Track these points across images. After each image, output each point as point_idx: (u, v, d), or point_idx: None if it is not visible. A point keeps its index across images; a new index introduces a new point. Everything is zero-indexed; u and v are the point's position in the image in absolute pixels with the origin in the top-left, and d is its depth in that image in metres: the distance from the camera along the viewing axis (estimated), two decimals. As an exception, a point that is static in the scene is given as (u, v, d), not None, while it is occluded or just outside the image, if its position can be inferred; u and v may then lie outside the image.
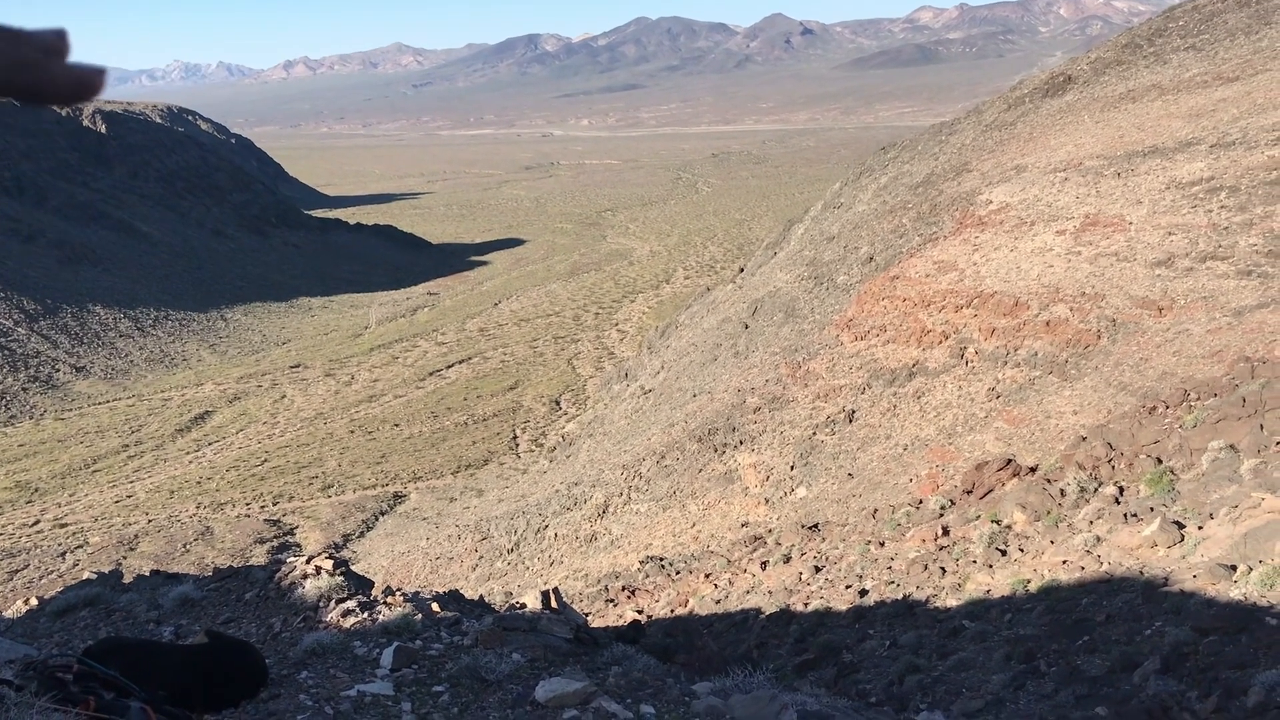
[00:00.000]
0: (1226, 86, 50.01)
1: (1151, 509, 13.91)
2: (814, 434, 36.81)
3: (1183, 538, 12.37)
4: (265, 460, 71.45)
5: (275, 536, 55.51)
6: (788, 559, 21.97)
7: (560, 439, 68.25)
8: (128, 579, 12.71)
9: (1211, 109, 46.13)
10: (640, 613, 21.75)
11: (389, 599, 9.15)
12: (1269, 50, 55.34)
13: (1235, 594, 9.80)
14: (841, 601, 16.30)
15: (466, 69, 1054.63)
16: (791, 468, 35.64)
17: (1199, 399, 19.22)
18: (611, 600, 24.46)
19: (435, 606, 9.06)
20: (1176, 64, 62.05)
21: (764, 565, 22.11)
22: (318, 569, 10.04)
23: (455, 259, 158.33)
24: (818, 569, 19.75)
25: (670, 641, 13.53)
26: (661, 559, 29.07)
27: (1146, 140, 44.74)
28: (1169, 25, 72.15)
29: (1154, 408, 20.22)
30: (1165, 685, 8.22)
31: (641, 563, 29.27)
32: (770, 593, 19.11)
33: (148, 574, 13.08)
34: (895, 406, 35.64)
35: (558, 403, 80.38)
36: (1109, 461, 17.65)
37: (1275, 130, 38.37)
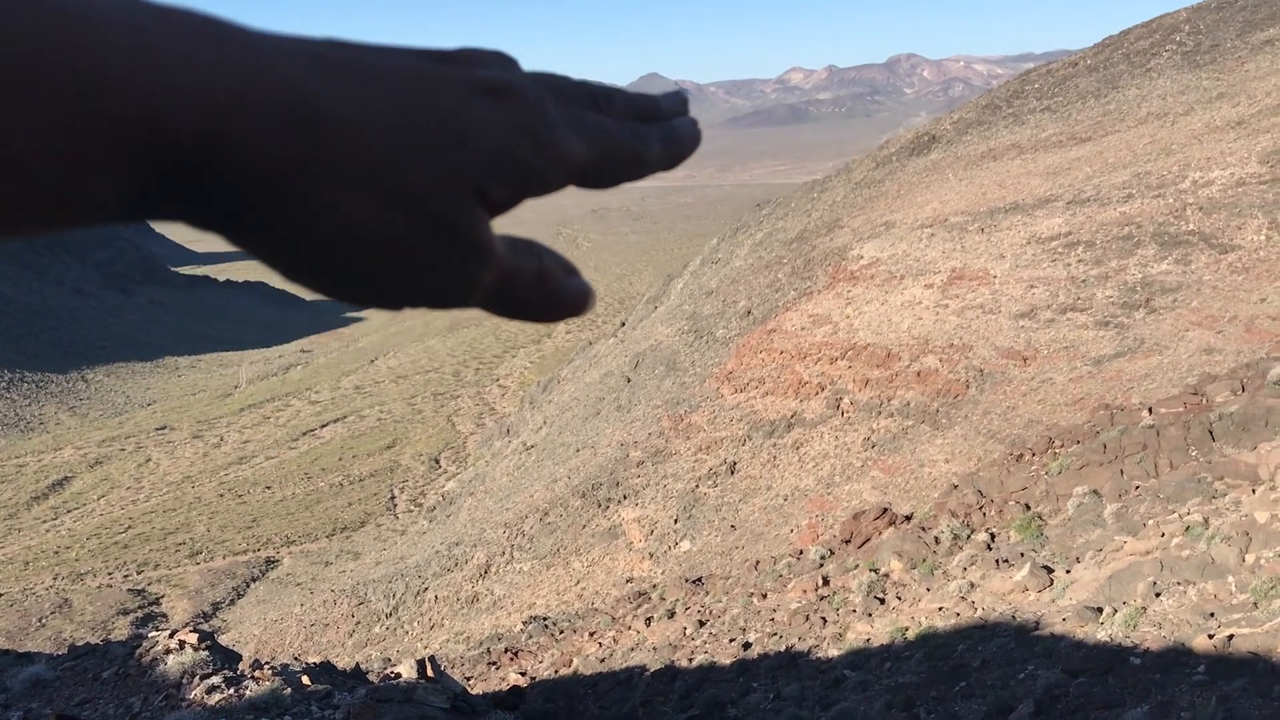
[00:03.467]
0: (1080, 146, 52.83)
1: (1022, 554, 14.29)
2: (696, 486, 36.96)
3: (1052, 582, 12.73)
4: (129, 527, 68.16)
5: (140, 607, 52.82)
6: (672, 614, 21.85)
7: (440, 498, 66.98)
8: (-30, 661, 11.86)
9: (1067, 167, 48.63)
10: (523, 674, 21.31)
11: (257, 673, 8.72)
12: (1117, 112, 58.78)
13: (1102, 635, 10.08)
14: (726, 655, 16.24)
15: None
16: (675, 521, 35.66)
17: (1063, 446, 19.94)
18: (494, 663, 23.91)
19: (306, 679, 8.67)
20: (1034, 124, 65.37)
21: (648, 621, 21.94)
22: (181, 643, 9.52)
23: (329, 315, 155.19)
24: (702, 623, 19.69)
25: (551, 706, 13.23)
26: (545, 618, 28.62)
27: (1008, 197, 46.83)
28: (1025, 88, 76.07)
29: (1021, 455, 20.90)
30: (1041, 730, 8.37)
31: (525, 623, 28.76)
32: (655, 649, 18.94)
33: (-7, 654, 12.22)
34: (775, 458, 36.08)
35: (437, 461, 78.97)
36: (980, 508, 18.13)
37: (1125, 188, 40.63)
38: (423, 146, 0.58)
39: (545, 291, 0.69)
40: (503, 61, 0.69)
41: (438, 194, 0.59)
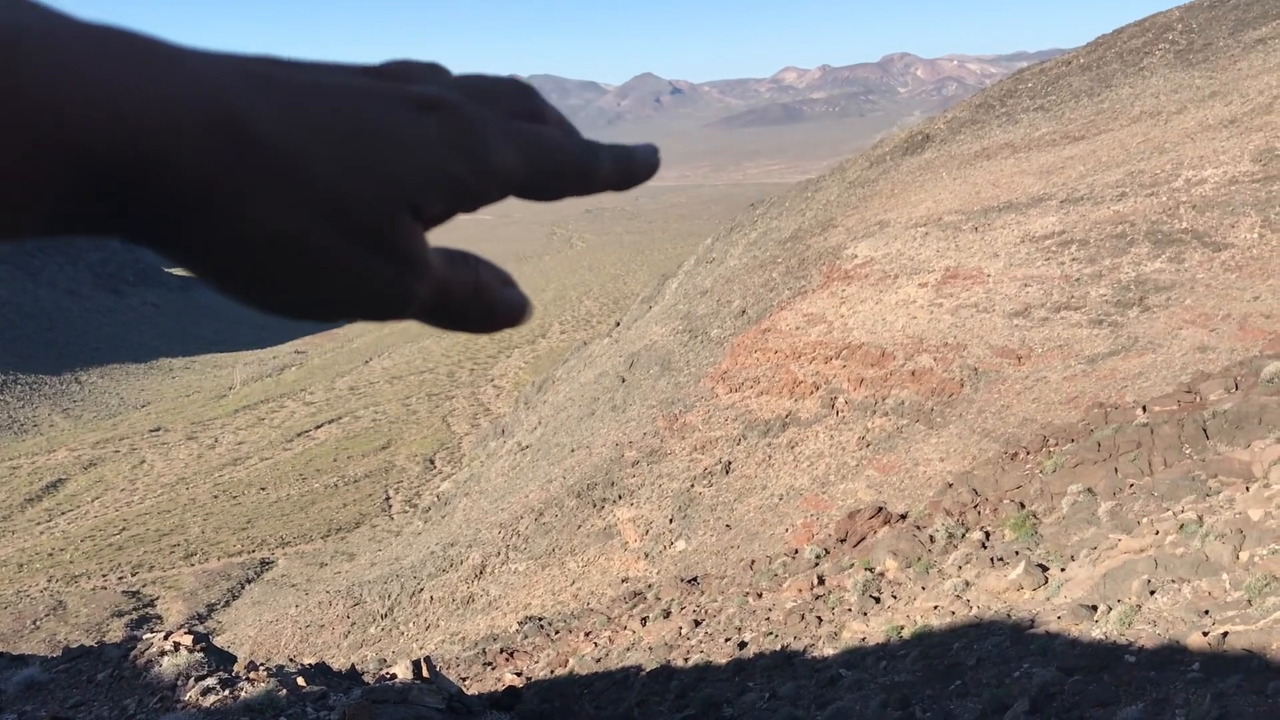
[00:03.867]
0: (1074, 145, 52.92)
1: (1016, 553, 14.31)
2: (692, 486, 36.96)
3: (1046, 580, 12.74)
4: (123, 529, 67.99)
5: (134, 609, 52.71)
6: (667, 614, 21.86)
7: (435, 499, 66.88)
8: (-36, 664, 11.82)
9: (1061, 166, 48.71)
10: (519, 675, 21.30)
11: (252, 674, 8.71)
12: (1110, 111, 58.87)
13: (1097, 633, 10.10)
14: (721, 655, 16.25)
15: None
16: (670, 521, 35.66)
17: (1057, 444, 19.98)
18: (489, 664, 23.90)
19: (301, 680, 8.65)
20: (1027, 123, 65.46)
21: (644, 621, 21.95)
22: (176, 645, 9.51)
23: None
24: (697, 623, 19.69)
25: (547, 706, 13.23)
26: (540, 619, 28.60)
27: (1001, 196, 46.89)
28: (1019, 87, 76.20)
29: (1016, 454, 20.94)
30: (1036, 728, 8.38)
31: (520, 623, 28.74)
32: (650, 649, 18.94)
33: (-13, 657, 12.18)
34: (770, 457, 36.09)
35: (432, 462, 78.85)
36: (975, 507, 18.15)
37: (1118, 187, 40.71)
38: (353, 160, 0.58)
39: (482, 303, 0.69)
40: (435, 73, 0.69)
41: (369, 207, 0.59)
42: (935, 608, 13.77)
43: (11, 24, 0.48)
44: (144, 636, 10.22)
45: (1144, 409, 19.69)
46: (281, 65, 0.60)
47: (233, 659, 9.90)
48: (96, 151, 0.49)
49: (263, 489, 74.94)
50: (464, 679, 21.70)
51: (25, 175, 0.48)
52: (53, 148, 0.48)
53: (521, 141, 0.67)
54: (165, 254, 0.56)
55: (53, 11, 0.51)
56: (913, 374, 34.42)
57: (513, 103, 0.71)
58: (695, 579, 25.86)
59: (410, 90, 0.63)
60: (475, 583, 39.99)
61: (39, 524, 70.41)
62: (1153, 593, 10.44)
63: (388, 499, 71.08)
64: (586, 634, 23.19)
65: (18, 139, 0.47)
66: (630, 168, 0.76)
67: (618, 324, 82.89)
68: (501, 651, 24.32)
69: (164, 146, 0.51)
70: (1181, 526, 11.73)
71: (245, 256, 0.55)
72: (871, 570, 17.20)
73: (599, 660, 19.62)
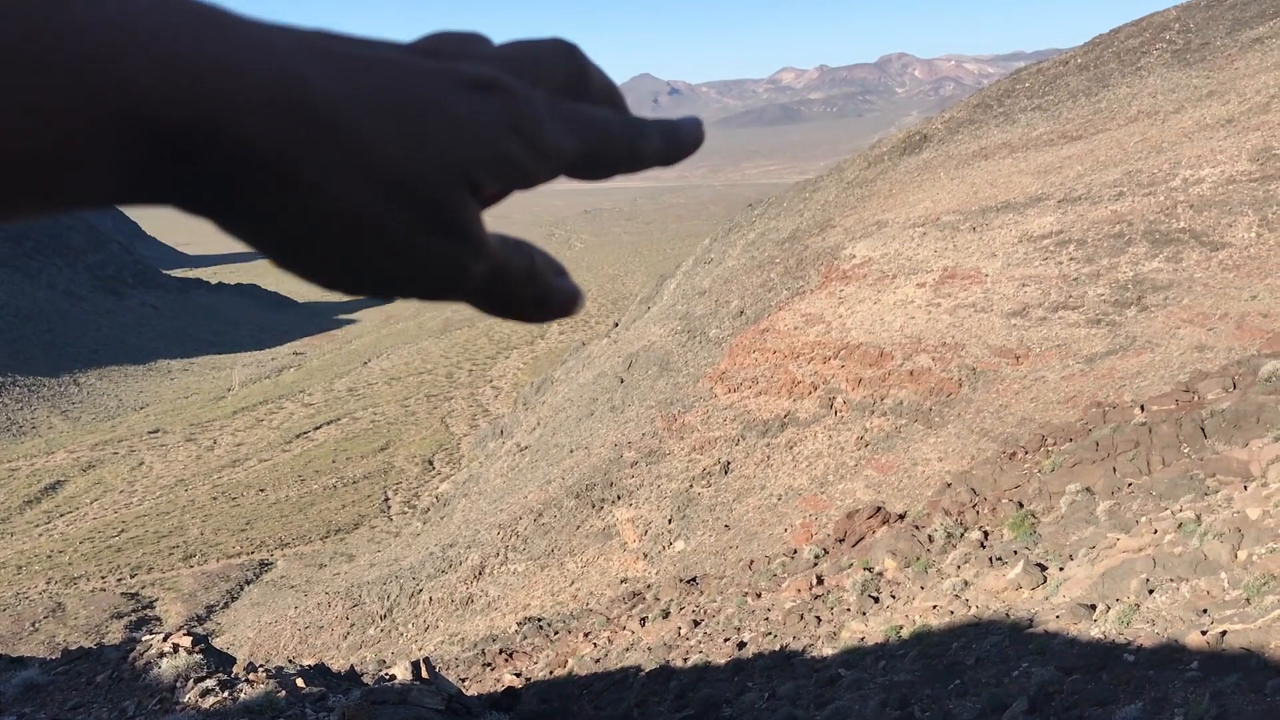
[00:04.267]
0: (1071, 145, 52.95)
1: (1015, 552, 14.32)
2: (690, 486, 36.97)
3: (1045, 579, 12.75)
4: (122, 530, 67.96)
5: (134, 611, 52.67)
6: (666, 614, 21.86)
7: (434, 500, 66.88)
8: (-37, 666, 11.80)
9: (1058, 166, 48.74)
10: (518, 676, 21.30)
11: (251, 676, 8.71)
12: (1107, 111, 58.92)
13: (1095, 633, 10.11)
14: (720, 655, 16.25)
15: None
16: (669, 521, 35.66)
17: (1056, 444, 19.99)
18: (489, 664, 23.90)
19: (300, 682, 8.66)
20: (1025, 123, 65.49)
21: (643, 621, 21.95)
22: (175, 646, 9.50)
23: (322, 317, 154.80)
24: (696, 623, 19.70)
25: (546, 707, 13.24)
26: (540, 619, 28.60)
27: (999, 196, 46.92)
28: (1016, 87, 76.24)
29: (1014, 453, 20.95)
30: (1035, 727, 8.39)
31: (519, 624, 28.74)
32: (649, 649, 18.95)
33: (-14, 659, 12.17)
34: (769, 457, 36.10)
35: (431, 463, 78.82)
36: (973, 507, 18.16)
37: (1116, 186, 40.73)
38: (415, 135, 0.58)
39: (535, 290, 0.69)
40: (479, 44, 0.69)
41: (430, 182, 0.59)
42: (934, 607, 13.78)
43: None
44: (143, 638, 10.21)
45: (1142, 408, 19.71)
46: (339, 39, 0.60)
47: (232, 660, 9.90)
48: (161, 114, 0.49)
49: (262, 490, 74.92)
50: (463, 680, 21.71)
51: (94, 139, 0.48)
52: (119, 110, 0.48)
53: (574, 122, 0.68)
54: (224, 224, 0.55)
55: None
56: (911, 374, 34.43)
57: (560, 73, 0.71)
58: (694, 579, 25.87)
59: (463, 70, 0.63)
60: (474, 583, 40.00)
61: (38, 526, 70.37)
62: (1151, 592, 10.45)
63: (387, 500, 71.06)
64: (585, 634, 23.19)
65: (86, 100, 0.47)
66: (677, 143, 0.76)
67: (616, 325, 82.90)
68: (501, 652, 24.32)
69: (230, 113, 0.51)
70: (1180, 525, 11.74)
71: (306, 229, 0.55)
72: (870, 570, 17.21)
73: (598, 661, 19.63)
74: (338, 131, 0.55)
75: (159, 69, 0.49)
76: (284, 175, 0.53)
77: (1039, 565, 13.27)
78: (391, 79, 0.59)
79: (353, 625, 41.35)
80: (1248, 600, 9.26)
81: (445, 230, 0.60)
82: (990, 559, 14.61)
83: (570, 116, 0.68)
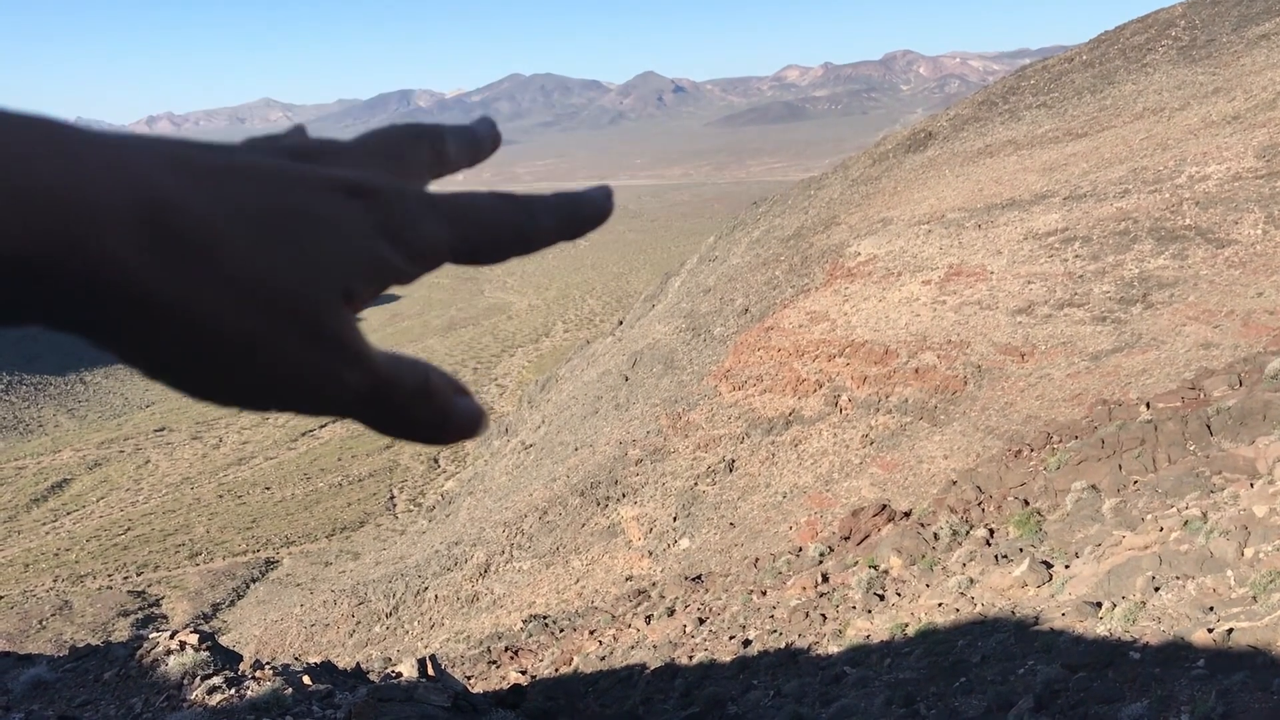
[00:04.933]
0: (1076, 142, 52.85)
1: (1021, 550, 14.31)
2: (695, 484, 36.97)
3: (1051, 577, 12.73)
4: (128, 529, 68.13)
5: (140, 608, 52.82)
6: (671, 612, 21.87)
7: (439, 498, 66.96)
8: (-29, 663, 11.84)
9: (1063, 163, 48.65)
10: (524, 673, 21.33)
11: (257, 673, 8.73)
12: (1113, 108, 58.80)
13: (1101, 630, 10.09)
14: (726, 653, 16.25)
15: (338, 125, 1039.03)
16: (674, 519, 35.67)
17: (1061, 441, 19.96)
18: (494, 662, 23.93)
19: (306, 679, 8.67)
20: (1030, 120, 65.38)
21: (648, 619, 21.95)
22: (182, 644, 9.52)
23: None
24: (701, 621, 19.70)
25: (552, 704, 13.25)
26: (545, 617, 28.63)
27: (1004, 193, 46.85)
28: (1021, 84, 76.13)
29: (1019, 451, 20.93)
30: (1041, 725, 8.38)
31: (525, 622, 28.77)
32: (655, 647, 18.96)
33: (-6, 656, 12.20)
34: (774, 455, 36.09)
35: (436, 460, 78.89)
36: (979, 504, 18.14)
37: (1122, 183, 40.65)
38: (281, 244, 0.56)
39: (430, 409, 0.65)
40: (338, 144, 0.67)
41: (298, 291, 0.56)
42: (939, 605, 13.77)
43: None
44: (150, 636, 10.23)
45: (1148, 406, 19.67)
46: (204, 148, 0.57)
47: (238, 658, 9.92)
48: (11, 247, 0.47)
49: (267, 488, 75.05)
50: (469, 677, 21.73)
51: None
52: None
53: (450, 213, 0.65)
54: (90, 341, 0.53)
55: None
56: (916, 371, 34.40)
57: (422, 154, 0.70)
58: (699, 577, 25.88)
59: (331, 174, 0.61)
60: (480, 581, 40.03)
61: (45, 524, 70.58)
62: (1157, 589, 10.43)
63: (392, 498, 71.16)
64: (591, 632, 23.20)
65: None
66: (575, 218, 0.73)
67: (621, 322, 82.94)
68: (506, 650, 24.35)
69: (86, 236, 0.48)
70: (1186, 523, 11.72)
71: (172, 346, 0.53)
72: (876, 568, 17.20)
73: (603, 658, 19.63)
74: (199, 241, 0.52)
75: (3, 201, 0.46)
76: (146, 294, 0.50)
77: (1044, 563, 13.25)
78: (256, 189, 0.57)
79: (358, 623, 41.41)
80: (1254, 598, 9.24)
81: (316, 341, 0.57)
82: (996, 557, 14.59)
83: (446, 207, 0.65)
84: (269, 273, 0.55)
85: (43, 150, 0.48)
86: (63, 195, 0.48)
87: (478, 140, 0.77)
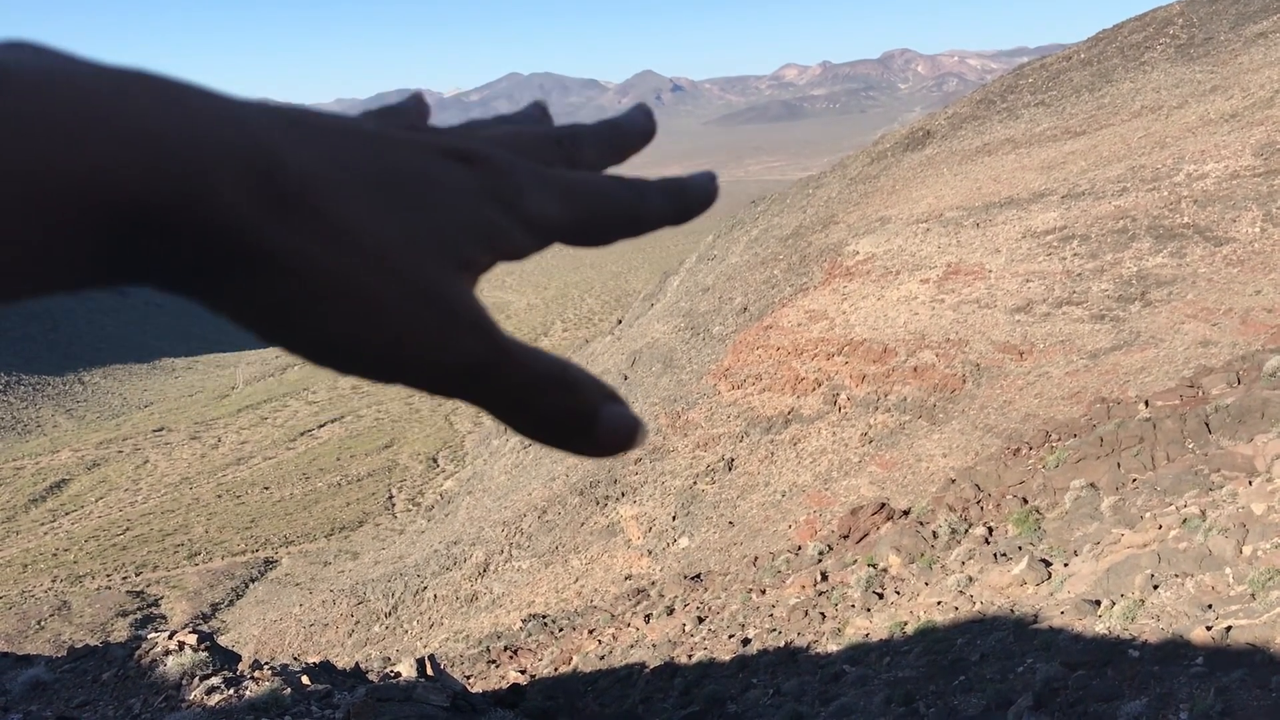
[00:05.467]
0: (1074, 140, 52.88)
1: (1019, 548, 14.32)
2: (694, 483, 36.98)
3: (1050, 575, 12.75)
4: (127, 529, 68.09)
5: (139, 609, 52.80)
6: (671, 611, 21.88)
7: (438, 497, 66.95)
8: (-31, 664, 11.83)
9: (1062, 161, 48.67)
10: (523, 673, 21.33)
11: (256, 673, 8.73)
12: (1111, 106, 58.82)
13: (1100, 628, 10.10)
14: (725, 651, 16.26)
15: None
16: (673, 518, 35.68)
17: (1060, 439, 19.98)
18: (493, 661, 23.94)
19: (305, 679, 8.67)
20: (1028, 119, 65.39)
21: (647, 618, 21.96)
22: (180, 644, 9.52)
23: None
24: (701, 620, 19.71)
25: (551, 704, 13.26)
26: (544, 616, 28.65)
27: (1002, 191, 46.86)
28: (1020, 82, 76.14)
29: (1018, 449, 20.94)
30: (1040, 722, 8.39)
31: (524, 621, 28.78)
32: (654, 646, 18.97)
33: (-8, 657, 12.20)
34: (773, 454, 36.10)
35: (435, 460, 78.83)
36: (978, 503, 18.16)
37: (1120, 182, 40.67)
38: (396, 206, 0.55)
39: (572, 403, 0.60)
40: (469, 129, 0.66)
41: (409, 250, 0.54)
42: (939, 603, 13.78)
43: (35, 69, 0.45)
44: (149, 636, 10.23)
45: (1146, 404, 19.69)
46: (309, 113, 0.56)
47: (237, 658, 9.92)
48: (131, 195, 0.46)
49: (266, 488, 75.02)
50: (468, 677, 21.74)
51: (64, 223, 0.45)
52: (87, 194, 0.45)
53: (562, 190, 0.63)
54: (202, 302, 0.51)
55: (75, 57, 0.48)
56: (915, 370, 34.41)
57: (540, 142, 0.68)
58: (698, 576, 25.89)
59: (442, 140, 0.60)
60: (479, 581, 40.04)
61: (43, 524, 70.52)
62: (1156, 587, 10.45)
63: (391, 497, 71.11)
64: (590, 631, 23.21)
65: (53, 186, 0.44)
66: (683, 202, 0.70)
67: (620, 321, 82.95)
68: (505, 649, 24.36)
69: (201, 189, 0.48)
70: (1184, 521, 11.73)
71: (285, 305, 0.51)
72: (875, 566, 17.21)
73: (603, 658, 19.65)
74: (312, 202, 0.51)
75: (122, 148, 0.45)
76: (260, 247, 0.49)
77: (1043, 561, 13.26)
78: (368, 148, 0.56)
79: (357, 623, 41.42)
80: (1253, 595, 9.25)
81: (430, 303, 0.54)
82: (995, 555, 14.61)
83: (558, 184, 0.63)
84: (379, 230, 0.53)
85: (160, 99, 0.48)
86: (179, 143, 0.47)
87: (623, 135, 0.74)
